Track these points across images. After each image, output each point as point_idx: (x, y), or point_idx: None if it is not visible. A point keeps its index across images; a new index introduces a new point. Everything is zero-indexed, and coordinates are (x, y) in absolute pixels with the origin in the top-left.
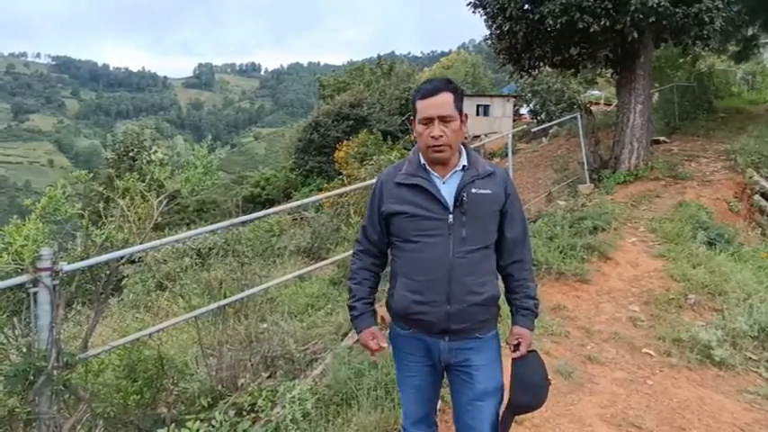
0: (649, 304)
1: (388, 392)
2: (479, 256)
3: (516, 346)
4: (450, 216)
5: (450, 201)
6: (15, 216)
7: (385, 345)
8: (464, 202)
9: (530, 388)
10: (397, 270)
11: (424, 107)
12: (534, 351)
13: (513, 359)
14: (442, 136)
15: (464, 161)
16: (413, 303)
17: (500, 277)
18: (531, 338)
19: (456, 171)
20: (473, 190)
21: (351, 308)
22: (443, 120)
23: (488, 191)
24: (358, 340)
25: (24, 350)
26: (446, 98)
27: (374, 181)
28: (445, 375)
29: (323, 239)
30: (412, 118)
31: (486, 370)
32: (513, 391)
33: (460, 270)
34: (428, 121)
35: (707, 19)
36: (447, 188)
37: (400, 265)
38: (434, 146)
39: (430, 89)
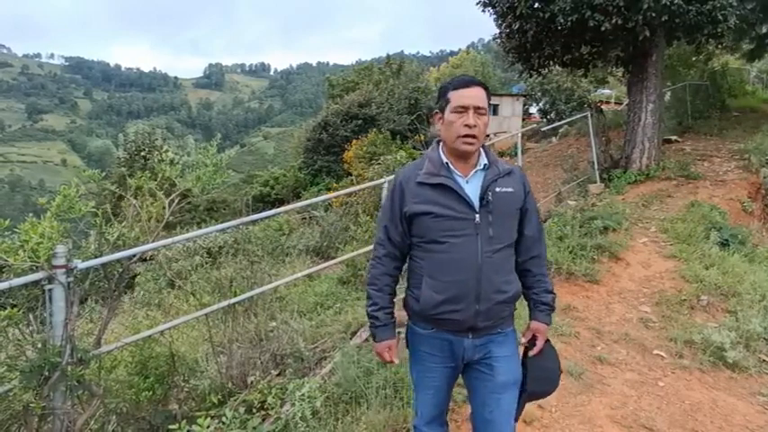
0: (661, 305)
1: (396, 391)
2: (505, 254)
3: (532, 340)
4: (477, 215)
5: (475, 200)
6: (30, 214)
7: (397, 361)
8: (489, 201)
9: (547, 377)
10: (420, 271)
11: (461, 96)
12: (547, 340)
13: (532, 354)
14: (475, 126)
15: (484, 160)
16: (441, 304)
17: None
18: (547, 332)
19: (477, 170)
20: (497, 189)
21: (372, 317)
22: (478, 110)
23: (511, 189)
24: (367, 339)
25: (39, 346)
26: (482, 92)
27: (382, 180)
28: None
29: (332, 239)
30: (436, 112)
31: (506, 362)
32: (530, 382)
33: (489, 269)
34: (463, 110)
35: (720, 17)
36: (470, 187)
37: (425, 266)
38: (467, 135)
39: (467, 80)
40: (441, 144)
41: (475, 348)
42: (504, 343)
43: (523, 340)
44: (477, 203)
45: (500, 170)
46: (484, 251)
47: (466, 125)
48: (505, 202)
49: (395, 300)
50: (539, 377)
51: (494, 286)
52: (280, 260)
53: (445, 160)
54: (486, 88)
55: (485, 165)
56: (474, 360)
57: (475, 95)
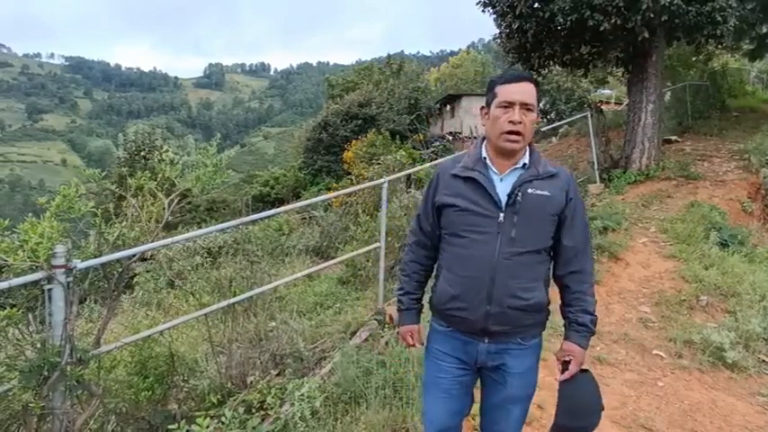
0: (660, 305)
1: (396, 391)
2: (528, 259)
3: (566, 364)
4: (502, 214)
5: (503, 198)
6: (30, 214)
7: (420, 345)
8: (517, 201)
9: (579, 411)
10: (442, 264)
11: (508, 91)
12: (587, 370)
13: (561, 380)
14: (521, 122)
15: (525, 159)
16: (451, 299)
17: (556, 287)
18: (584, 357)
19: (515, 168)
20: (529, 190)
21: (398, 301)
22: (525, 106)
23: (547, 192)
24: (367, 339)
25: (39, 346)
26: (530, 88)
27: (382, 180)
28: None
29: (331, 239)
30: (483, 107)
31: (521, 377)
32: (559, 413)
33: (505, 272)
34: (509, 105)
35: (720, 18)
36: (503, 185)
37: (445, 258)
38: (511, 131)
39: (516, 75)
40: (485, 140)
41: (488, 354)
42: (522, 356)
43: (558, 364)
44: (504, 202)
45: (540, 172)
46: (502, 252)
47: (510, 121)
48: (537, 206)
49: (424, 289)
50: (569, 410)
51: (508, 290)
52: (279, 260)
53: (483, 155)
54: (536, 84)
55: (524, 164)
56: (487, 366)
57: (523, 90)
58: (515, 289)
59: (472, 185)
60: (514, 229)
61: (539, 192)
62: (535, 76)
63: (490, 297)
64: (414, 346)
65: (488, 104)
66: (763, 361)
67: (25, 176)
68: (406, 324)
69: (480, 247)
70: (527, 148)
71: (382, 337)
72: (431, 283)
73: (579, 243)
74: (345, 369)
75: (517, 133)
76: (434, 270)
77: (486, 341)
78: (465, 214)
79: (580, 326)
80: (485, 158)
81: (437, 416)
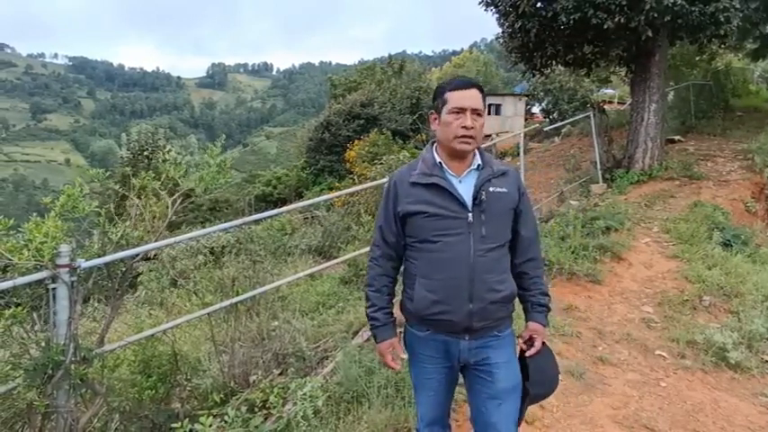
0: (663, 305)
1: (398, 390)
2: (498, 254)
3: (530, 341)
4: (470, 214)
5: (468, 199)
6: (34, 214)
7: (404, 356)
8: (483, 200)
9: (547, 380)
10: (414, 271)
11: (459, 98)
12: (544, 343)
13: (530, 355)
14: (473, 127)
15: (478, 160)
16: (434, 304)
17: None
18: (545, 333)
19: (471, 170)
20: (491, 188)
21: (372, 318)
22: (475, 112)
23: (505, 189)
24: (369, 339)
25: (43, 345)
26: (478, 94)
27: (384, 180)
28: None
29: (334, 238)
30: (432, 112)
31: (506, 368)
32: (532, 385)
33: (481, 268)
34: (461, 111)
35: (723, 19)
36: (464, 187)
37: (418, 266)
38: (464, 135)
39: (465, 82)
40: (435, 145)
41: (470, 351)
42: (501, 347)
43: (521, 341)
44: (469, 203)
45: (494, 170)
46: (476, 250)
47: (463, 126)
48: (499, 202)
49: (393, 301)
50: (539, 380)
51: (486, 285)
52: (282, 260)
53: (438, 160)
54: (482, 90)
55: (478, 165)
56: (471, 363)
57: (472, 97)
58: (492, 283)
59: (435, 191)
60: (484, 227)
61: (498, 189)
62: (538, 76)
63: (471, 295)
64: (393, 368)
65: (438, 110)
66: (766, 361)
67: (29, 176)
68: (385, 339)
69: (455, 249)
70: (476, 151)
71: None
72: (399, 292)
73: (533, 233)
74: (348, 368)
75: (470, 137)
76: (402, 279)
77: (467, 338)
78: (435, 219)
79: (541, 306)
80: (440, 163)
81: (427, 412)
